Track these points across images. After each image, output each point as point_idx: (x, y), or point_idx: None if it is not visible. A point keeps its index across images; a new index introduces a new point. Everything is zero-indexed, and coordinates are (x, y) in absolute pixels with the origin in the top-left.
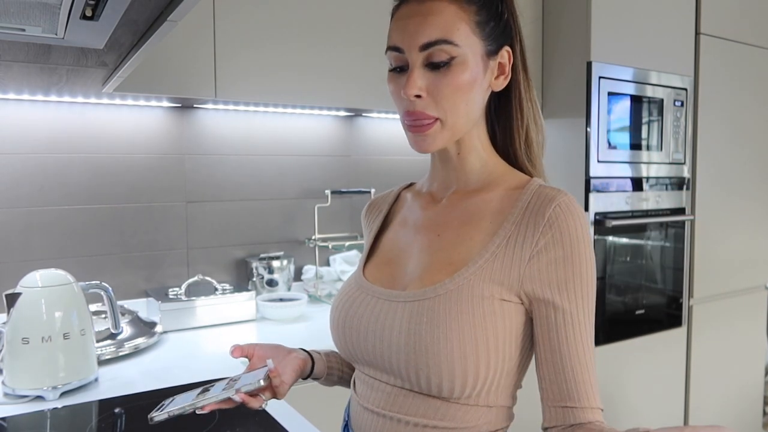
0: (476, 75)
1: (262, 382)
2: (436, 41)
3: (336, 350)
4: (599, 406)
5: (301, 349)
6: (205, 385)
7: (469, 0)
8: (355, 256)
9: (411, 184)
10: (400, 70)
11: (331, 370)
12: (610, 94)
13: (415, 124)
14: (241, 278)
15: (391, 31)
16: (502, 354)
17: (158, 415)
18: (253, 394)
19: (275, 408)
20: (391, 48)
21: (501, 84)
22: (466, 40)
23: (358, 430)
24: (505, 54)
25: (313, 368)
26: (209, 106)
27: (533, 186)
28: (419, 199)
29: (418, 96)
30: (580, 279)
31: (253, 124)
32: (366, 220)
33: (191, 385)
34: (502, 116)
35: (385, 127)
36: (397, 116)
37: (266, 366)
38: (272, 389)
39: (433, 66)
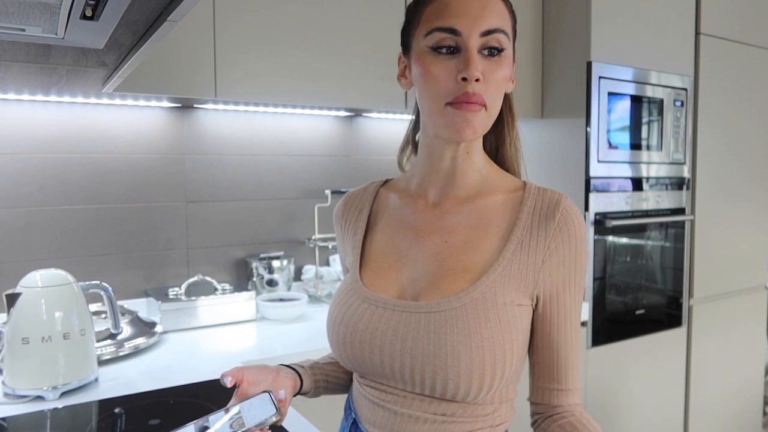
0: (511, 73)
1: (274, 419)
2: (497, 29)
3: (315, 359)
4: (578, 386)
5: (283, 365)
6: (197, 420)
7: (510, 5)
8: None
9: (386, 181)
10: (449, 52)
11: (318, 383)
12: (610, 94)
13: (468, 108)
14: (241, 278)
15: (437, 12)
16: (519, 355)
17: None
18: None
19: None
20: (445, 29)
21: (510, 88)
22: (510, 37)
23: (373, 426)
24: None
25: (302, 385)
26: (209, 106)
27: (532, 189)
28: (409, 200)
29: (477, 80)
30: (579, 275)
31: (253, 124)
32: (343, 220)
33: (192, 385)
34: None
35: (385, 127)
36: (397, 116)
37: (264, 393)
38: None
39: (488, 53)
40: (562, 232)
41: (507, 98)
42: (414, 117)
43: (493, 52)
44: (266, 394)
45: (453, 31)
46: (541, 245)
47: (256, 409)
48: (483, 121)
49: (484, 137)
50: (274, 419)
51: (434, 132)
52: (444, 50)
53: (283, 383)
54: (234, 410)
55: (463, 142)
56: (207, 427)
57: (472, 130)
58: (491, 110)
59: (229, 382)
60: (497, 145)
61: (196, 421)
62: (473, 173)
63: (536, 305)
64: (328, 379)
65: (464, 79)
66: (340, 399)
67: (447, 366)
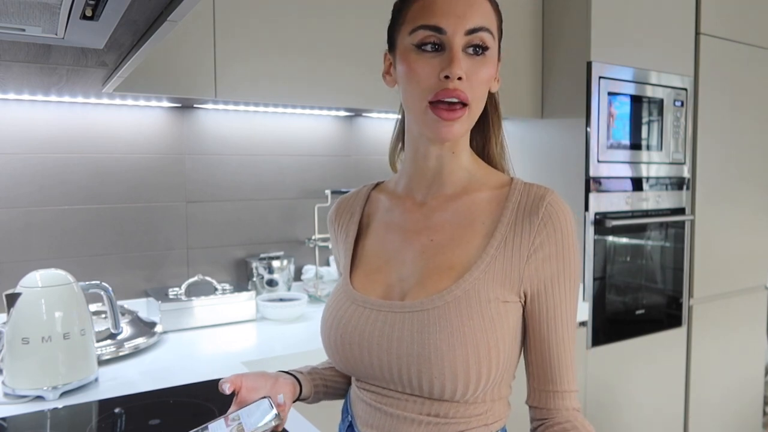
0: (495, 72)
1: (273, 423)
2: (481, 28)
3: (313, 365)
4: (575, 388)
5: (283, 371)
6: (197, 428)
7: (496, 4)
8: None
9: (378, 184)
10: (432, 49)
11: (317, 388)
12: (610, 94)
13: (450, 111)
14: (241, 278)
15: (422, 10)
16: (508, 352)
17: None
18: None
19: None
20: (429, 27)
21: (495, 86)
22: (495, 36)
23: (370, 428)
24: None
25: (301, 391)
26: (209, 106)
27: (518, 185)
28: (398, 201)
29: (459, 79)
30: (570, 271)
31: (253, 124)
32: (336, 224)
33: (192, 385)
34: (480, 118)
35: (385, 127)
36: (397, 116)
37: (263, 398)
38: None
39: (473, 51)
40: (547, 226)
41: (493, 97)
42: (401, 116)
43: (477, 50)
44: (265, 399)
45: (438, 29)
46: (526, 241)
47: (256, 415)
48: (464, 122)
49: (470, 136)
50: (273, 424)
51: (418, 131)
52: (428, 47)
53: (282, 389)
54: (233, 417)
55: (445, 142)
56: None
57: (453, 133)
58: (473, 109)
59: (227, 389)
60: (483, 143)
61: (196, 429)
62: (460, 171)
63: (525, 302)
64: (327, 384)
65: (447, 77)
66: (340, 400)
67: (431, 365)
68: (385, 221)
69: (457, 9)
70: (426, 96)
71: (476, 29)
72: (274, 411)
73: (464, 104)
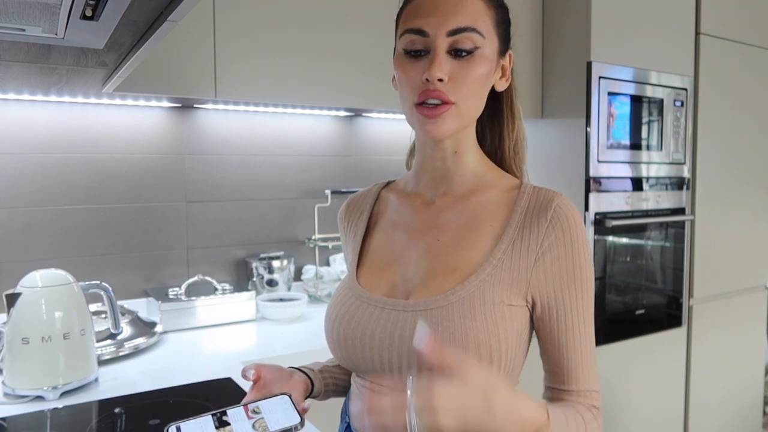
0: (490, 70)
1: (299, 427)
2: (465, 28)
3: (322, 362)
4: (594, 388)
5: (294, 368)
6: (213, 411)
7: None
8: None
9: (388, 183)
10: (416, 54)
11: (327, 386)
12: (610, 94)
13: (431, 109)
14: (241, 278)
15: (409, 14)
16: (511, 356)
17: None
18: None
19: None
20: (413, 31)
21: (503, 85)
22: (488, 35)
23: (367, 430)
24: (507, 57)
25: (312, 388)
26: (209, 106)
27: (527, 188)
28: (406, 200)
29: (441, 80)
30: (580, 273)
31: (253, 124)
32: (346, 221)
33: (192, 385)
34: (493, 118)
35: (385, 127)
36: (398, 116)
37: (284, 395)
38: None
39: (456, 53)
40: (555, 229)
41: (508, 96)
42: None
43: (462, 53)
44: (286, 397)
45: (420, 32)
46: (534, 244)
47: (279, 414)
48: (452, 119)
49: (484, 136)
50: (299, 428)
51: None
52: (413, 53)
53: (297, 386)
54: (253, 408)
55: (436, 139)
56: (226, 422)
57: (440, 130)
58: (461, 107)
59: (252, 376)
60: (496, 145)
61: (213, 412)
62: (466, 173)
63: (534, 306)
64: (337, 382)
65: (428, 79)
66: (341, 400)
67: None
68: (393, 220)
69: (441, 9)
70: (412, 98)
71: (460, 30)
72: (298, 414)
73: (452, 103)
